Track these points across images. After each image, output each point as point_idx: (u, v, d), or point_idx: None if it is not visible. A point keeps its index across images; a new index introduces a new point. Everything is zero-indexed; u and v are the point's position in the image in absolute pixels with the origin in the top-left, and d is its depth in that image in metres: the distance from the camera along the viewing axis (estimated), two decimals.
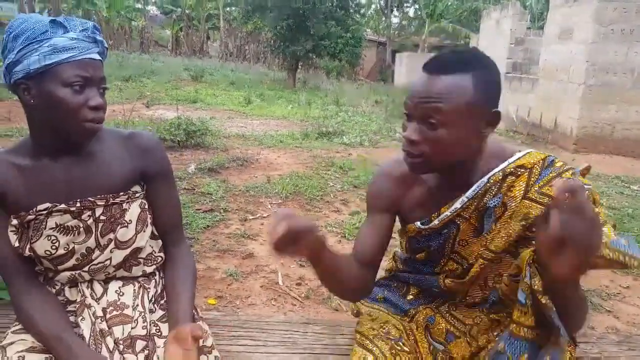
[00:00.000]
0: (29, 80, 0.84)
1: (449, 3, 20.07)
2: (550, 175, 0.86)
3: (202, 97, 9.89)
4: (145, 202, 1.01)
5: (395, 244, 1.16)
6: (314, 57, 14.39)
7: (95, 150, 0.95)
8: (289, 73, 14.19)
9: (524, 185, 0.87)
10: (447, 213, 0.91)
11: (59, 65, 0.83)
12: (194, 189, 3.82)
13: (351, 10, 13.82)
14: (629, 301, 2.51)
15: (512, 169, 0.88)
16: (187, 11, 23.52)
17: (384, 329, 0.97)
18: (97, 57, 0.89)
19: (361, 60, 15.61)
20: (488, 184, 0.88)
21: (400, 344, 0.93)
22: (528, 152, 0.90)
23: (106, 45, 0.93)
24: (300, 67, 14.78)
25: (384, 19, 22.78)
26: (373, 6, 24.28)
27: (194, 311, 1.05)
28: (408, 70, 15.63)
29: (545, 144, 6.85)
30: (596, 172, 5.18)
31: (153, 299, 1.02)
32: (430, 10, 19.78)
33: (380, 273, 1.18)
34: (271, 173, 4.48)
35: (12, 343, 0.89)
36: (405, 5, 22.94)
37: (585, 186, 0.83)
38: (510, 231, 0.88)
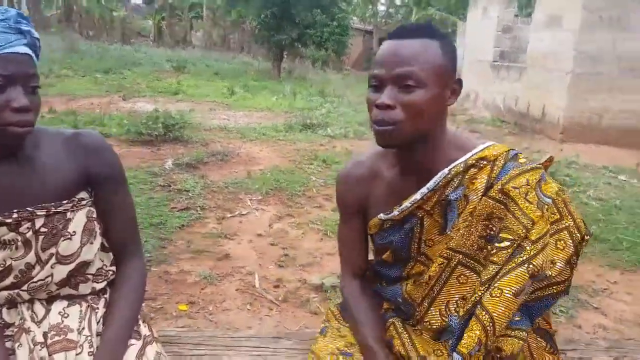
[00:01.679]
0: None
1: None
2: (513, 172, 0.84)
3: (184, 88, 9.65)
4: (93, 210, 0.92)
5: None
6: (300, 46, 14.16)
7: (34, 155, 0.87)
8: (274, 63, 13.93)
9: (485, 178, 0.85)
10: (407, 204, 0.90)
11: None
12: (170, 186, 3.66)
13: None
14: (616, 297, 2.44)
15: (474, 161, 0.87)
16: (169, 1, 22.96)
17: (337, 342, 0.95)
18: (24, 50, 0.78)
19: (347, 49, 15.39)
20: (449, 175, 0.87)
21: (349, 358, 0.92)
22: (492, 145, 0.89)
23: (36, 36, 0.82)
24: (285, 56, 14.52)
25: (370, 6, 22.54)
26: None
27: (148, 332, 0.95)
28: None
29: (532, 134, 6.79)
30: (584, 162, 5.13)
31: (102, 320, 0.92)
32: None
33: None
34: (252, 168, 4.33)
35: None
36: None
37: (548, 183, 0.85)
38: (472, 229, 0.86)
